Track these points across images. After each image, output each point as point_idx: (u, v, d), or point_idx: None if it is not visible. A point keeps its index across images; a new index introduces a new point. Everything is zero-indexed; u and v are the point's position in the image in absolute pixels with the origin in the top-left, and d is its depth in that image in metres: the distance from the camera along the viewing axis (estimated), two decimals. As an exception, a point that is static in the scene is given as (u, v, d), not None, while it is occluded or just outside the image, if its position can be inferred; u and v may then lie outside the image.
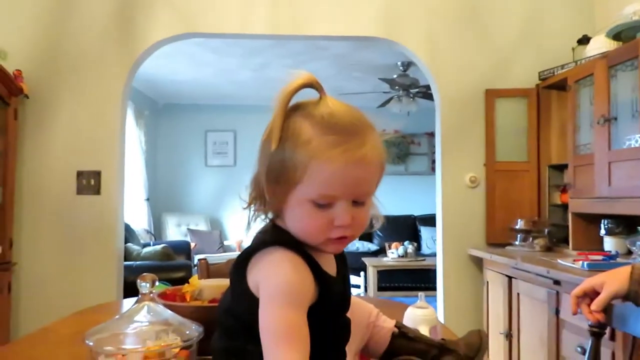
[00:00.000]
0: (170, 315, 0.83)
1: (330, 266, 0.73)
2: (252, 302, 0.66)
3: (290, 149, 0.66)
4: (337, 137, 0.65)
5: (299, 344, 0.62)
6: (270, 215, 0.73)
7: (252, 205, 0.72)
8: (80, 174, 2.89)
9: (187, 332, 0.81)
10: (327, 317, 0.71)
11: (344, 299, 0.77)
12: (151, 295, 0.83)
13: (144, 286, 0.82)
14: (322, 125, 0.66)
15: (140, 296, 0.83)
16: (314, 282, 0.67)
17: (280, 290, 0.64)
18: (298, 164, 0.65)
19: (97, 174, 2.89)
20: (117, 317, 0.83)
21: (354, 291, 4.88)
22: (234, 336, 0.70)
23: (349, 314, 0.83)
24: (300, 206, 0.67)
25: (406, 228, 6.59)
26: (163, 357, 0.77)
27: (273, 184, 0.68)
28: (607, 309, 1.09)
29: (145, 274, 0.82)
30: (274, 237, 0.69)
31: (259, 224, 0.74)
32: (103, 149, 2.91)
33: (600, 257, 2.14)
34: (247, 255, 0.69)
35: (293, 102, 0.69)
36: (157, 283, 0.84)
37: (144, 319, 0.82)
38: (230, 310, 0.71)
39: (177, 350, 0.79)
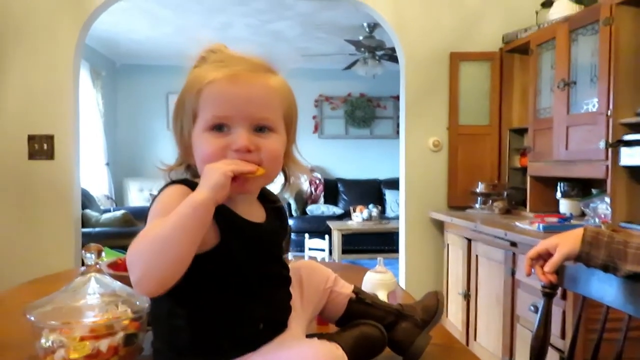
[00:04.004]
0: (119, 287, 0.80)
1: (251, 213, 0.72)
2: None
3: (187, 92, 0.70)
4: (224, 65, 0.68)
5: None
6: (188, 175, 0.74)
7: (178, 168, 0.74)
8: (31, 138, 2.76)
9: (137, 303, 0.79)
10: (246, 262, 0.69)
11: (271, 247, 0.75)
12: (98, 266, 0.80)
13: (89, 257, 0.78)
14: (212, 63, 0.70)
15: (85, 267, 0.79)
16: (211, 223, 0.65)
17: (150, 213, 0.66)
18: (193, 98, 0.69)
19: (49, 138, 2.77)
20: (61, 289, 0.80)
21: (317, 255, 4.93)
22: (157, 300, 0.68)
23: (305, 279, 0.82)
24: (200, 139, 0.69)
25: (371, 191, 6.64)
26: (111, 329, 0.75)
27: (180, 135, 0.72)
28: (559, 270, 1.12)
29: (90, 244, 0.78)
30: (175, 179, 0.71)
31: None
32: (56, 112, 2.78)
33: (555, 219, 2.21)
34: (151, 203, 0.69)
35: None
36: (103, 253, 0.80)
37: (91, 291, 0.79)
38: None
39: (126, 322, 0.77)
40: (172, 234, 0.59)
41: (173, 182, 0.70)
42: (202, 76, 0.68)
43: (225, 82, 0.67)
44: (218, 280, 0.67)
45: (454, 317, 2.82)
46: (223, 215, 0.66)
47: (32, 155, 2.76)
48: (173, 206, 0.62)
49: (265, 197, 0.77)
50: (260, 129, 0.68)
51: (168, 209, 0.62)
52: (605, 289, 1.07)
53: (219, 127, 0.68)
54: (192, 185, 0.67)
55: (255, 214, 0.73)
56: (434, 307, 0.90)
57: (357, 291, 0.89)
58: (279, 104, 0.71)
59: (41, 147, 2.76)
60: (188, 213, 0.60)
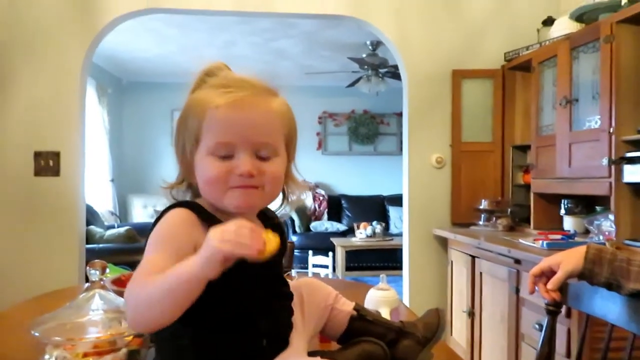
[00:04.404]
0: (123, 303, 0.81)
1: None
2: None
3: (191, 114, 0.71)
4: (227, 89, 0.69)
5: (151, 276, 0.62)
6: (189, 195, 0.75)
7: (179, 186, 0.75)
8: (38, 155, 2.78)
9: (140, 320, 0.79)
10: (249, 279, 0.70)
11: (272, 264, 0.74)
12: (102, 282, 0.80)
13: (93, 273, 0.79)
14: (217, 86, 0.71)
15: (90, 284, 0.80)
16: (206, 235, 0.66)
17: (152, 238, 0.66)
18: (196, 122, 0.70)
19: (56, 155, 2.79)
20: (66, 305, 0.80)
21: (321, 272, 4.91)
22: None
23: (306, 296, 0.82)
24: (203, 161, 0.70)
25: (375, 208, 6.64)
26: (114, 346, 0.75)
27: (181, 154, 0.72)
28: (562, 288, 1.12)
29: (95, 260, 0.79)
30: (176, 202, 0.71)
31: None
32: (62, 129, 2.81)
33: (559, 237, 2.20)
34: (152, 226, 0.69)
35: None
36: (107, 270, 0.81)
37: (95, 307, 0.79)
38: None
39: (129, 338, 0.77)
40: (161, 300, 0.59)
41: (176, 204, 0.70)
42: (206, 101, 0.69)
43: (228, 109, 0.68)
44: (222, 300, 0.67)
45: (458, 335, 2.79)
46: None
47: (38, 172, 2.78)
48: (174, 233, 0.64)
49: (264, 214, 0.78)
50: (263, 153, 0.70)
51: (169, 237, 0.64)
52: (609, 307, 1.06)
53: (222, 152, 0.69)
54: (195, 208, 0.68)
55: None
56: (435, 324, 0.90)
57: (359, 308, 0.89)
58: (281, 126, 0.72)
59: (47, 164, 2.78)
60: (178, 285, 0.58)
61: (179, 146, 0.73)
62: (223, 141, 0.68)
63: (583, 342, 1.19)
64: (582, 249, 1.07)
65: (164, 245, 0.64)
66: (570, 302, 1.17)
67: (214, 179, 0.68)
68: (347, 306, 0.88)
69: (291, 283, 0.81)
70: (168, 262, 0.63)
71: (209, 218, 0.68)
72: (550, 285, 1.10)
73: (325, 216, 6.59)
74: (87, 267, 0.80)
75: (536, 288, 1.13)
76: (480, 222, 2.95)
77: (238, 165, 0.68)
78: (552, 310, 1.18)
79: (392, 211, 6.56)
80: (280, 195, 0.78)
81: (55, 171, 2.79)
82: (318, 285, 0.88)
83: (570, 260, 1.08)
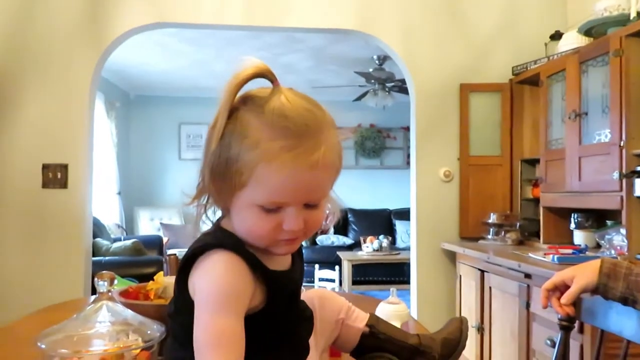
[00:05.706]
0: (131, 315, 0.80)
1: (281, 261, 0.71)
2: (192, 309, 0.63)
3: (236, 148, 0.61)
4: (287, 142, 0.60)
5: (229, 351, 0.60)
6: (217, 210, 0.70)
7: (199, 200, 0.68)
8: (45, 167, 2.79)
9: (148, 332, 0.78)
10: (283, 313, 0.68)
11: (298, 289, 0.74)
12: (110, 294, 0.79)
13: (101, 285, 0.78)
14: (271, 126, 0.60)
15: (97, 295, 0.79)
16: (255, 284, 0.65)
17: (210, 297, 0.62)
18: (244, 167, 0.61)
19: (63, 167, 2.80)
20: (73, 317, 0.79)
21: (327, 285, 4.87)
22: (184, 345, 0.66)
23: (318, 309, 0.80)
24: (247, 209, 0.63)
25: (381, 222, 6.61)
26: (122, 358, 0.74)
27: (219, 181, 0.64)
28: (576, 303, 1.10)
29: (103, 272, 0.78)
30: (215, 239, 0.66)
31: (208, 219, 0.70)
32: (70, 141, 2.82)
33: (570, 251, 2.17)
34: (188, 260, 0.65)
35: (244, 90, 0.65)
36: (115, 281, 0.80)
37: (102, 319, 0.78)
38: (175, 317, 0.69)
39: (137, 351, 0.76)
40: None
41: (217, 244, 0.64)
42: (262, 145, 0.60)
43: (291, 172, 0.60)
44: (258, 334, 0.65)
45: (467, 351, 2.74)
46: (267, 276, 0.65)
47: (45, 184, 2.78)
48: (238, 291, 0.62)
49: None
50: (312, 202, 0.64)
51: (233, 295, 0.61)
52: (624, 323, 1.04)
53: (272, 207, 0.63)
54: (242, 253, 0.64)
55: (285, 258, 0.72)
56: (455, 340, 0.86)
57: (373, 323, 0.86)
58: (336, 172, 0.67)
59: (55, 176, 2.79)
60: None
61: (216, 170, 0.63)
62: (277, 201, 0.62)
63: (597, 358, 1.16)
64: (596, 263, 1.05)
65: (229, 307, 0.61)
66: (584, 317, 1.14)
67: (262, 234, 0.64)
68: (358, 322, 0.85)
69: (303, 294, 0.80)
70: (238, 326, 0.61)
71: (255, 264, 0.65)
72: (564, 299, 1.08)
73: (332, 230, 6.56)
74: (95, 279, 0.79)
75: (549, 303, 1.11)
76: (489, 236, 2.92)
77: (287, 222, 0.63)
78: (566, 326, 1.15)
79: (399, 225, 6.52)
80: None
81: (63, 183, 2.79)
82: (330, 298, 0.85)
83: (584, 274, 1.06)
